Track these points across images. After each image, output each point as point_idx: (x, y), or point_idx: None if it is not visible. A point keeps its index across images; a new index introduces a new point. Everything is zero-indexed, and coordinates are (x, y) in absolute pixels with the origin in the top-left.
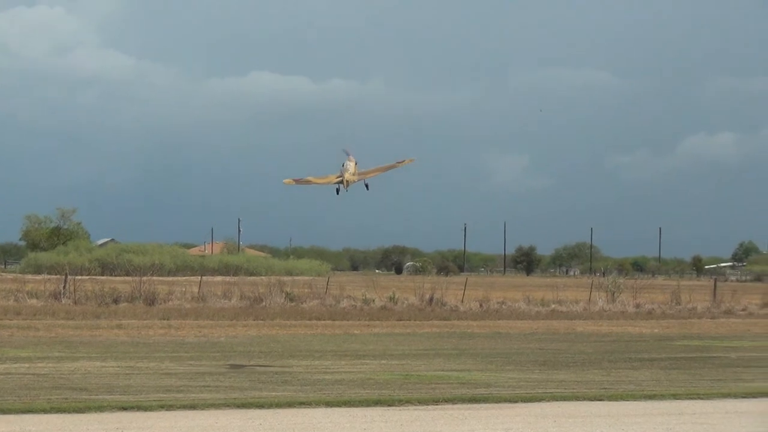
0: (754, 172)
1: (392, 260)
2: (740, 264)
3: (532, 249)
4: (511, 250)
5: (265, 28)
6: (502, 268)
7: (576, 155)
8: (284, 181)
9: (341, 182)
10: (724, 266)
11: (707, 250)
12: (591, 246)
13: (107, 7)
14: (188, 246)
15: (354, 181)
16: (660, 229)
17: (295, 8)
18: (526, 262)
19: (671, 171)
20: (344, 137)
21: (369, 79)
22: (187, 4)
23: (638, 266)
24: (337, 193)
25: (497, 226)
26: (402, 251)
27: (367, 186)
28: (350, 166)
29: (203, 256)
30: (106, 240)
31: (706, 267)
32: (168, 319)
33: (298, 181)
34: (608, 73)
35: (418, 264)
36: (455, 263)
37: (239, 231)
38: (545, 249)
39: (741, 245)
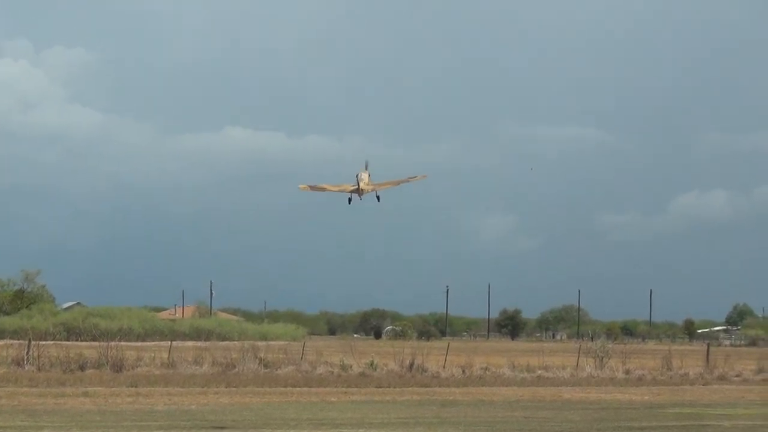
0: (748, 231)
1: (371, 324)
2: (734, 328)
3: (517, 312)
4: (495, 314)
5: (240, 82)
6: (486, 333)
7: (563, 215)
8: (300, 186)
9: (355, 191)
10: (718, 330)
11: (700, 314)
12: (579, 309)
13: (74, 60)
14: (158, 309)
15: (368, 191)
16: (651, 291)
17: (271, 62)
18: (510, 326)
19: (662, 231)
20: (320, 195)
21: (347, 135)
22: (156, 58)
23: (628, 330)
24: (349, 203)
25: (481, 288)
26: (381, 315)
27: (378, 198)
28: (364, 176)
29: (173, 320)
30: (71, 303)
31: (699, 331)
32: (136, 386)
33: (312, 187)
34: (597, 130)
35: (398, 328)
36: (437, 327)
37: (211, 294)
38: (531, 312)
39: (735, 308)
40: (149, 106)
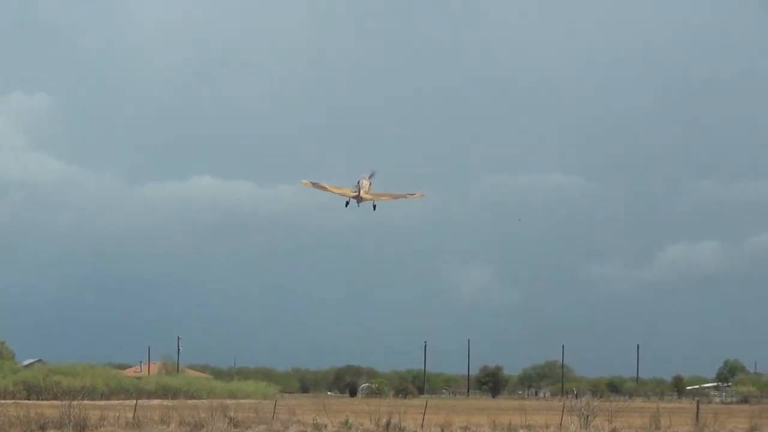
0: (739, 283)
1: (346, 381)
2: (725, 384)
3: (498, 369)
4: (475, 370)
5: (209, 130)
6: (466, 390)
7: (546, 266)
8: (302, 181)
9: (355, 197)
10: (708, 387)
11: (689, 369)
12: (562, 365)
13: (35, 107)
14: (122, 366)
15: (367, 200)
16: (638, 346)
17: (241, 108)
18: (491, 382)
19: (650, 283)
20: (292, 246)
21: None
22: (121, 104)
23: (614, 387)
24: (346, 206)
25: (460, 343)
26: (356, 371)
27: (374, 207)
28: (365, 184)
29: (139, 378)
30: (32, 360)
31: (688, 387)
32: None
33: (315, 185)
34: (579, 178)
35: (374, 385)
36: (414, 384)
37: (178, 349)
38: (512, 368)
39: (726, 364)
40: (112, 154)
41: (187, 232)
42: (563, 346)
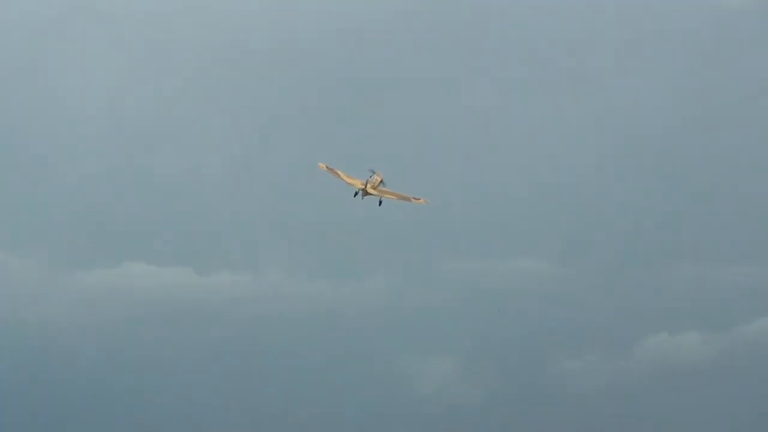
0: (725, 377)
1: None
2: None
3: None
4: None
5: (143, 214)
6: None
7: (513, 360)
8: (319, 164)
9: (362, 189)
10: None
11: None
12: None
13: None
14: None
15: (373, 194)
16: None
17: (178, 190)
18: None
19: (628, 377)
20: (235, 338)
21: (264, 270)
22: (42, 183)
23: None
24: (354, 196)
25: None
26: None
27: (380, 202)
28: (376, 179)
29: None
30: None
31: None
32: None
33: (329, 169)
34: (549, 264)
35: None
36: None
37: None
38: None
39: None
40: (35, 240)
41: (119, 325)
42: None
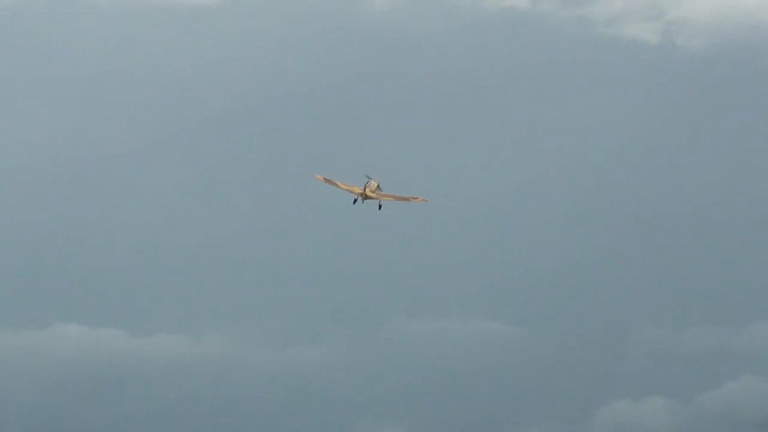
0: None
1: None
2: None
3: None
4: None
5: (73, 270)
6: None
7: (465, 428)
8: (316, 176)
9: (361, 195)
10: None
11: None
12: None
13: None
14: None
15: (372, 198)
16: None
17: (110, 245)
18: None
19: None
20: (175, 407)
21: (205, 333)
22: None
23: None
24: (354, 203)
25: None
26: None
27: (380, 206)
28: (373, 184)
29: None
30: None
31: None
32: None
33: (327, 180)
34: (503, 324)
35: None
36: None
37: None
38: None
39: None
40: None
41: (45, 392)
42: None
